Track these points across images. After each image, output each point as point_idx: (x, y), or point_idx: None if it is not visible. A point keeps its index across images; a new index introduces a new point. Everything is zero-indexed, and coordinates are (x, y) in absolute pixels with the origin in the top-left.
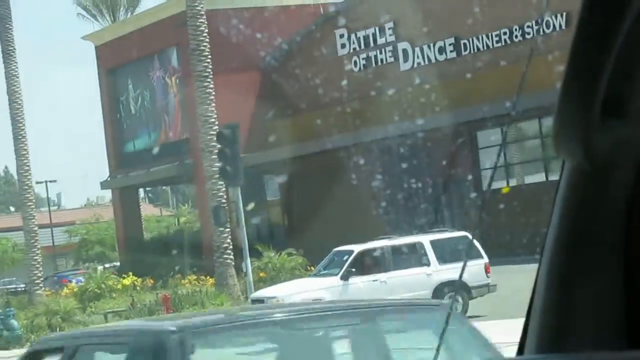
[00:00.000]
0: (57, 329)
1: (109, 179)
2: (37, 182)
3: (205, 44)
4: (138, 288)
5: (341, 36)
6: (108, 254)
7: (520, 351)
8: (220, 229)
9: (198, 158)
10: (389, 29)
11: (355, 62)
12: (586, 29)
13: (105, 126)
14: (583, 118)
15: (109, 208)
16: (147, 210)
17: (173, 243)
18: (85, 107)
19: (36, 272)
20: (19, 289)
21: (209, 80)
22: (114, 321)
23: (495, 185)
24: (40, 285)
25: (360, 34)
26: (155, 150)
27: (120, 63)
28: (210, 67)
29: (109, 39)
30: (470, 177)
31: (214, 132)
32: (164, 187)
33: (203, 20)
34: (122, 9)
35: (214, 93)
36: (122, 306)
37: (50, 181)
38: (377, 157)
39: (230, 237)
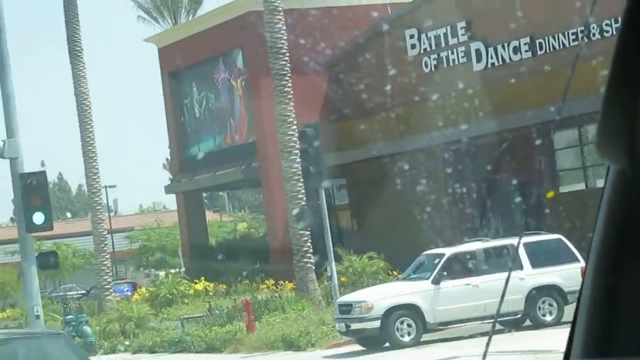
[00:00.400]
0: (131, 336)
1: (172, 183)
2: (103, 187)
3: (283, 41)
4: (210, 293)
5: (411, 36)
6: (168, 260)
7: (567, 357)
8: (301, 232)
9: (265, 161)
10: (462, 28)
11: (425, 62)
12: (629, 34)
13: (169, 130)
14: (627, 123)
15: (166, 214)
16: (207, 216)
17: (239, 248)
18: (135, 110)
19: (106, 277)
20: (78, 296)
21: (287, 78)
22: (190, 328)
23: (572, 187)
24: (110, 290)
25: (432, 33)
26: (221, 153)
27: (184, 65)
28: (289, 65)
29: (172, 41)
30: (544, 179)
31: (293, 132)
32: (220, 193)
33: (280, 17)
34: (183, 11)
35: (292, 92)
36: (195, 312)
37: (109, 186)
38: (450, 160)
39: (310, 240)
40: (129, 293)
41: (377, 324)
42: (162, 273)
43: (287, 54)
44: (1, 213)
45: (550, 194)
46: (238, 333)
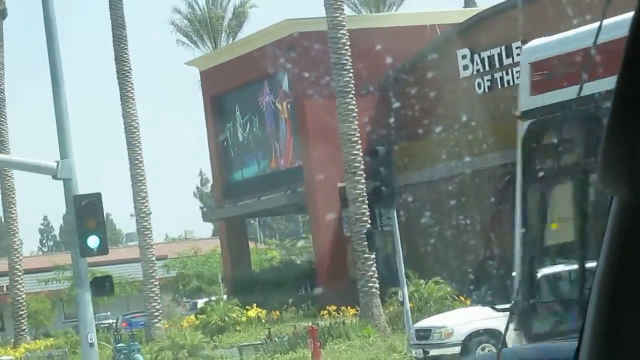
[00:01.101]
0: None
1: (215, 208)
2: (132, 215)
3: (347, 57)
4: (263, 320)
5: (463, 57)
6: (205, 288)
7: None
8: (365, 256)
9: (312, 186)
10: (517, 47)
11: (479, 84)
12: (633, 63)
13: (211, 154)
14: (629, 155)
15: (200, 242)
16: None
17: (283, 275)
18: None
19: (154, 304)
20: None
21: (350, 96)
22: (248, 356)
23: None
24: (159, 317)
25: (485, 54)
26: (265, 178)
27: (227, 88)
28: (353, 82)
29: (214, 64)
30: None
31: (357, 152)
32: (251, 221)
33: (345, 32)
34: (223, 34)
35: (356, 110)
36: (250, 339)
37: (148, 214)
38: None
39: (375, 264)
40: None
41: (457, 349)
42: (201, 301)
43: (352, 71)
44: (29, 242)
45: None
46: None
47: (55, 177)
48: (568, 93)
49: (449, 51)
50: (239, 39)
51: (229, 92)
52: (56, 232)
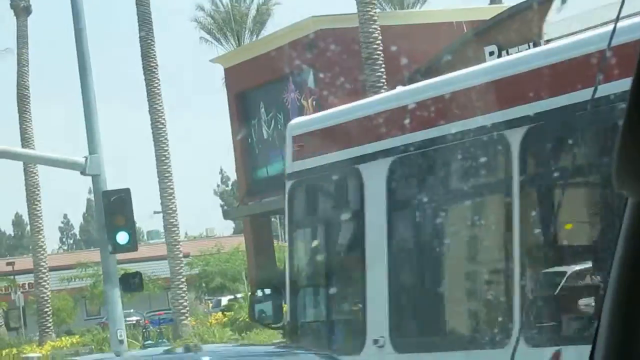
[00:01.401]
0: None
1: (239, 206)
2: (155, 212)
3: (379, 52)
4: None
5: (491, 54)
6: (229, 285)
7: None
8: None
9: None
10: (546, 42)
11: None
12: None
13: (236, 151)
14: None
15: (222, 240)
16: None
17: None
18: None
19: (182, 301)
20: (135, 322)
21: (382, 91)
22: None
23: None
24: (186, 315)
25: (513, 51)
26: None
27: (251, 85)
28: (385, 77)
29: (239, 61)
30: None
31: None
32: (272, 219)
33: (377, 27)
34: (247, 32)
35: None
36: (278, 337)
37: (155, 212)
38: None
39: None
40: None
41: None
42: (224, 299)
43: (383, 66)
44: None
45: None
46: None
47: (83, 173)
48: (319, 160)
49: (476, 48)
50: (264, 36)
51: (254, 89)
52: (76, 230)
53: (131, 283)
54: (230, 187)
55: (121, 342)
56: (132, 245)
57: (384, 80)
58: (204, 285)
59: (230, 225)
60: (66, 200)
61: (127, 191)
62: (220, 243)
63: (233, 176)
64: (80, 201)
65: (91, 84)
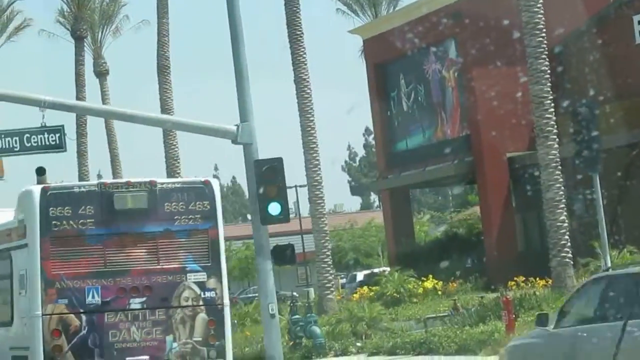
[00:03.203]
0: (363, 337)
1: (378, 180)
2: (299, 186)
3: (539, 16)
4: (439, 292)
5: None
6: (362, 261)
7: None
8: (558, 224)
9: (480, 155)
10: None
11: None
12: None
13: (375, 124)
14: None
15: (350, 215)
16: None
17: (448, 246)
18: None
19: (327, 275)
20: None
21: (543, 57)
22: (434, 328)
23: None
24: (332, 289)
25: None
26: (430, 148)
27: (391, 57)
28: (546, 42)
29: (378, 32)
30: None
31: (550, 116)
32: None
33: None
34: (384, 3)
35: (548, 72)
36: (427, 311)
37: (300, 186)
38: None
39: (567, 233)
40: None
41: None
42: (360, 274)
43: (544, 31)
44: None
45: None
46: (495, 333)
47: (235, 141)
48: None
49: (624, 16)
50: (404, 6)
51: (393, 60)
52: None
53: (283, 255)
54: (357, 163)
55: (272, 316)
56: (285, 216)
57: (544, 46)
58: (336, 260)
59: (357, 200)
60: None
61: (279, 160)
62: (352, 219)
63: (361, 152)
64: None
65: (243, 51)
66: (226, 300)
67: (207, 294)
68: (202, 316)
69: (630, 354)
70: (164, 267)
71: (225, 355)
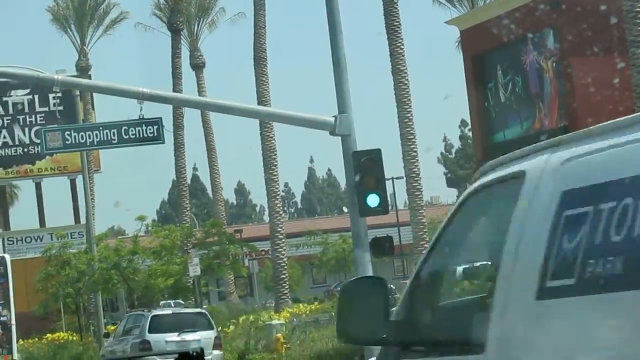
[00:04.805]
0: None
1: (474, 171)
2: (395, 178)
3: None
4: None
5: None
6: None
7: None
8: None
9: None
10: None
11: None
12: None
13: (472, 116)
14: None
15: (446, 207)
16: None
17: None
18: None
19: None
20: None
21: None
22: None
23: None
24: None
25: None
26: (528, 139)
27: (488, 48)
28: None
29: (474, 23)
30: None
31: None
32: None
33: None
34: None
35: None
36: None
37: (397, 178)
38: None
39: None
40: None
41: None
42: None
43: None
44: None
45: None
46: None
47: (333, 133)
48: None
49: None
50: None
51: (491, 51)
52: (297, 199)
53: (382, 247)
54: (453, 155)
55: None
56: (383, 208)
57: None
58: None
59: (453, 192)
60: (287, 168)
61: (377, 152)
62: (450, 211)
63: (457, 144)
64: (302, 170)
65: (341, 42)
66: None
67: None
68: None
69: None
70: None
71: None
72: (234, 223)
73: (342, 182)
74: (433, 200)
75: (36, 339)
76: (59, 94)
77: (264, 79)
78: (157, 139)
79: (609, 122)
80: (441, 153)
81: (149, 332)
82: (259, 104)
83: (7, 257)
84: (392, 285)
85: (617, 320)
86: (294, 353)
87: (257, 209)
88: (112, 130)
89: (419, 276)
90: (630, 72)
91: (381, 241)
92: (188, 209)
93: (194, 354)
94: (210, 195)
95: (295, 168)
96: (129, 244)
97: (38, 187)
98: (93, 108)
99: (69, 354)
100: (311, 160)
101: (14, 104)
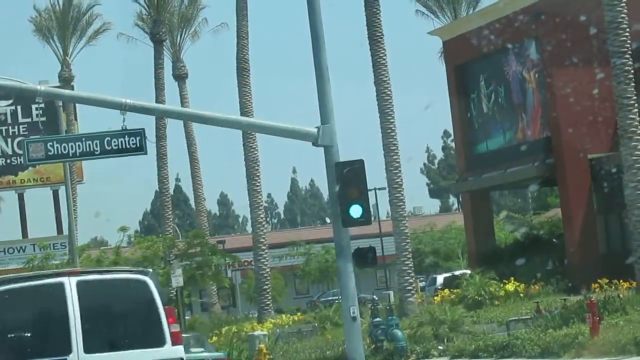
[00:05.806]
0: (445, 340)
1: (458, 182)
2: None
3: (623, 15)
4: (521, 295)
5: None
6: (442, 264)
7: None
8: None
9: (562, 157)
10: None
11: None
12: None
13: (454, 126)
14: None
15: (428, 218)
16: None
17: (529, 249)
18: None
19: (407, 278)
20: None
21: (627, 57)
22: (516, 331)
23: None
24: (412, 292)
25: None
26: (511, 150)
27: (470, 58)
28: (629, 42)
29: (457, 33)
30: None
31: (634, 116)
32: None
33: None
34: (463, 4)
35: (632, 71)
36: (509, 314)
37: (379, 188)
38: None
39: None
40: None
41: None
42: (440, 277)
43: (628, 30)
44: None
45: None
46: (579, 336)
47: (315, 143)
48: None
49: None
50: (483, 7)
51: (473, 62)
52: (280, 209)
53: (364, 258)
54: (436, 166)
55: (354, 319)
56: (366, 218)
57: (628, 45)
58: (416, 263)
59: (436, 203)
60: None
61: (360, 162)
62: (432, 222)
63: (439, 155)
64: (284, 182)
65: (324, 53)
66: None
67: None
68: None
69: None
70: None
71: None
72: (216, 234)
73: (325, 193)
74: (416, 210)
75: None
76: (42, 105)
77: (247, 89)
78: (140, 149)
79: None
80: (424, 164)
81: None
82: (241, 114)
83: None
84: (375, 296)
85: None
86: None
87: (240, 219)
88: (95, 141)
89: None
90: (611, 82)
91: (364, 252)
92: (171, 219)
93: None
94: (193, 206)
95: (278, 179)
96: (111, 254)
97: (21, 198)
98: (76, 119)
99: None
100: (294, 171)
101: None
